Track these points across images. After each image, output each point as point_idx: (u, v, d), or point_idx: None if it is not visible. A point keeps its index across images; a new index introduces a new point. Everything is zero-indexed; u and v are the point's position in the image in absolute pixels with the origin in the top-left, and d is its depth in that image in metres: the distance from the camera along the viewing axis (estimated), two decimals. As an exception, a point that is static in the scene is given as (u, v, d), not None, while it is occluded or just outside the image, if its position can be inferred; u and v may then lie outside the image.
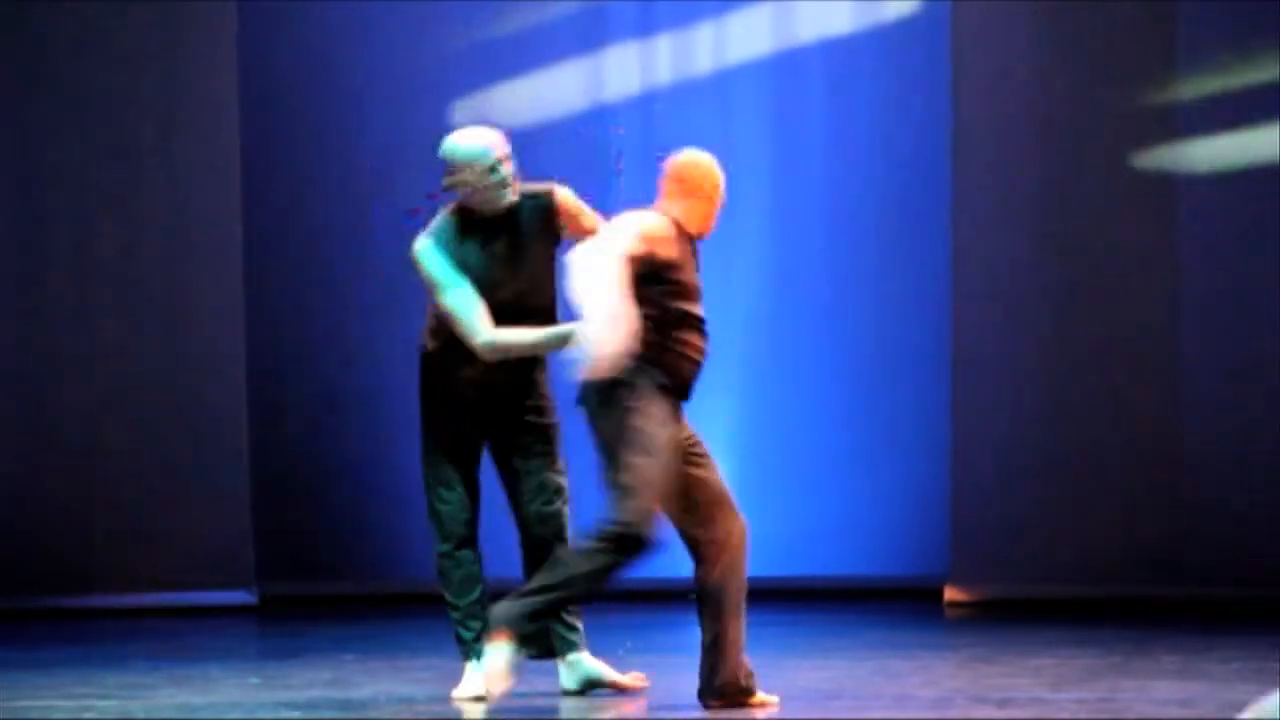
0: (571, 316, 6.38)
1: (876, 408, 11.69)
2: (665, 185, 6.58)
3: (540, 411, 6.84)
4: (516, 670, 6.05)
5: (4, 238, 10.92)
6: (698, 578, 6.45)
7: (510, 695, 6.38)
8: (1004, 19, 10.97)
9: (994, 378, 10.89)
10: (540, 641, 6.62)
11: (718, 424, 11.72)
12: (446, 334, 6.76)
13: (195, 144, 11.11)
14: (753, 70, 11.87)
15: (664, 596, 11.53)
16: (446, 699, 6.51)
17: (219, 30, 11.16)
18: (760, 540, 11.76)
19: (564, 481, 6.84)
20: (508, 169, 6.77)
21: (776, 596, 11.52)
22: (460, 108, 11.94)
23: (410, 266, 6.82)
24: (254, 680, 7.14)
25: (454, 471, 6.80)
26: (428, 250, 6.74)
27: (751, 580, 11.82)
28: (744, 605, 6.39)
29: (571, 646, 6.78)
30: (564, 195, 6.85)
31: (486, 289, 6.69)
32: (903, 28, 11.78)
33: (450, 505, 6.78)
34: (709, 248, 10.96)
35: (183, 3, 11.11)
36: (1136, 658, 7.67)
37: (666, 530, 6.59)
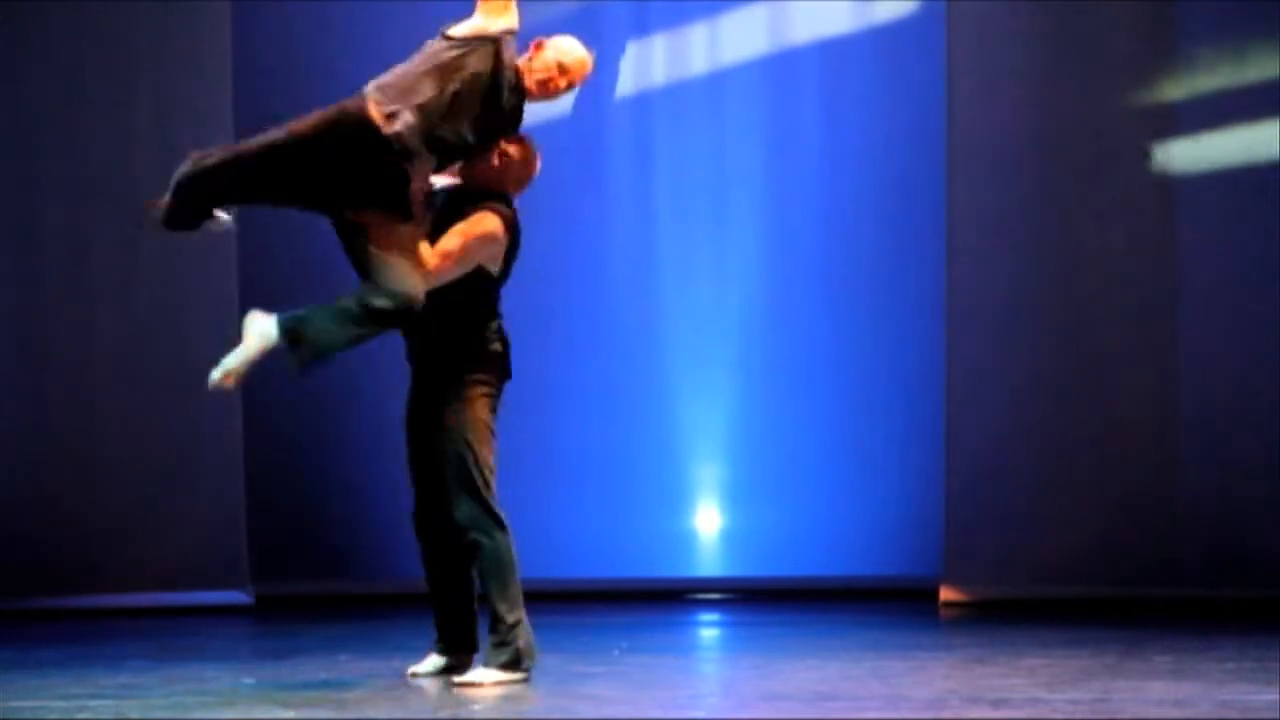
0: None
1: (871, 408, 11.70)
2: None
3: None
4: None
5: (1, 240, 10.92)
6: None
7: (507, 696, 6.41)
8: (999, 18, 10.98)
9: (989, 378, 10.90)
10: None
11: (713, 424, 11.75)
12: None
13: (191, 144, 11.10)
14: (747, 71, 11.88)
15: (662, 596, 11.54)
16: (443, 699, 6.51)
17: (213, 30, 11.17)
18: (756, 541, 11.87)
19: None
20: None
21: (772, 597, 11.54)
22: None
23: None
24: (249, 680, 7.14)
25: None
26: None
27: (748, 581, 11.92)
28: None
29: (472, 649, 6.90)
30: None
31: None
32: (898, 28, 11.79)
33: None
34: (703, 247, 11.07)
35: (177, 2, 11.12)
36: (1131, 658, 7.67)
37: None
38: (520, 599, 6.80)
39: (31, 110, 10.91)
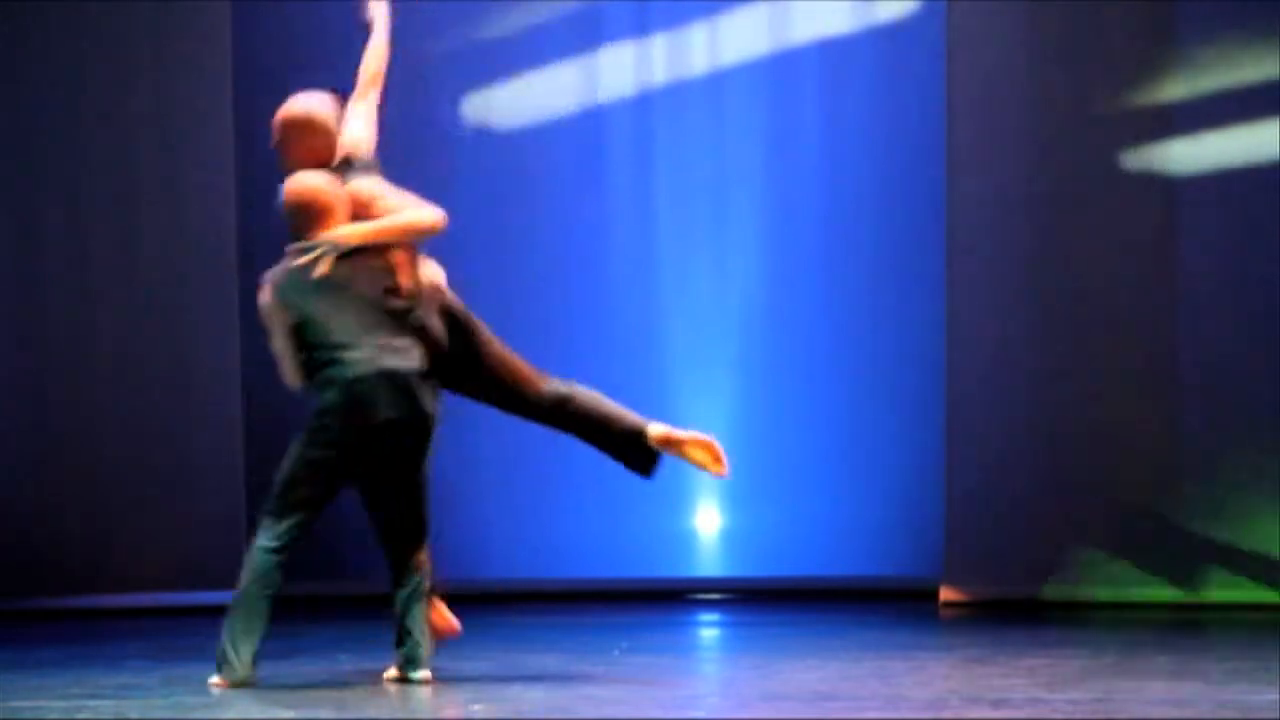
0: None
1: (871, 408, 11.70)
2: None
3: None
4: None
5: (1, 240, 10.92)
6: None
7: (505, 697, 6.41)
8: (999, 19, 10.98)
9: (988, 378, 10.90)
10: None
11: (713, 425, 11.74)
12: None
13: (191, 144, 11.13)
14: (748, 71, 11.88)
15: (661, 597, 11.54)
16: (443, 699, 6.51)
17: (213, 30, 11.17)
18: (756, 541, 11.87)
19: None
20: None
21: (772, 597, 11.54)
22: (456, 107, 11.95)
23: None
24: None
25: None
26: None
27: (748, 580, 11.92)
28: None
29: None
30: None
31: None
32: (898, 28, 11.79)
33: None
34: (703, 247, 11.02)
35: (177, 2, 11.12)
36: (1131, 658, 7.67)
37: None
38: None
39: (31, 110, 10.91)
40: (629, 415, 7.07)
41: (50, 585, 10.77)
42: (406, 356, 6.74)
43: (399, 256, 6.84)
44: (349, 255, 6.80)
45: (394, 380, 6.71)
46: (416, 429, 6.79)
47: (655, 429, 7.04)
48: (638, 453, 7.03)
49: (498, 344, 7.07)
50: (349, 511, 11.90)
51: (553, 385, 7.07)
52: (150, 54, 11.09)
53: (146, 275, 11.02)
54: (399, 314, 6.80)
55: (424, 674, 6.85)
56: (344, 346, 6.75)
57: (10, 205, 10.91)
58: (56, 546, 10.77)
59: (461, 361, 6.95)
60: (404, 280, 6.82)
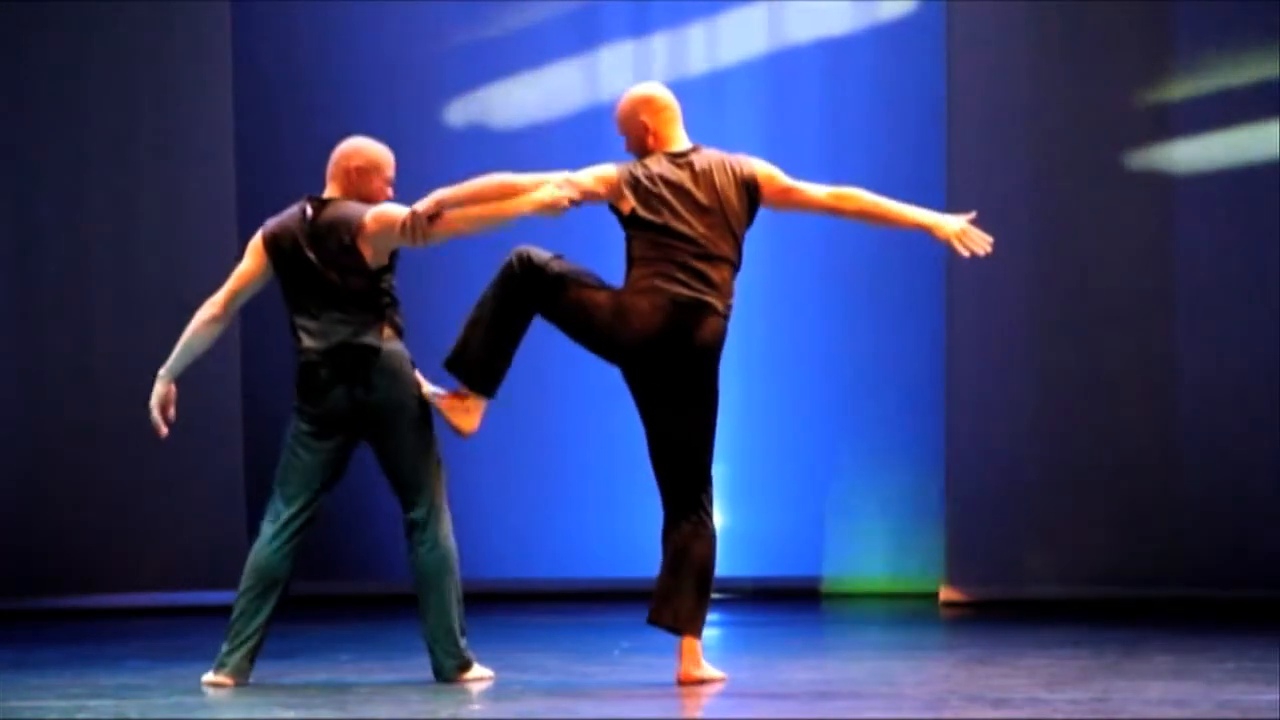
0: None
1: (873, 409, 11.69)
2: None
3: None
4: None
5: (0, 241, 10.92)
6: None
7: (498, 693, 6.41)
8: (999, 19, 10.98)
9: (989, 379, 10.90)
10: None
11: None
12: None
13: (190, 144, 11.12)
14: (747, 70, 11.88)
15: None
16: (443, 699, 6.51)
17: (213, 30, 11.18)
18: (757, 541, 11.87)
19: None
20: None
21: (773, 596, 11.54)
22: (455, 106, 11.94)
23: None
24: (249, 680, 7.14)
25: None
26: None
27: (748, 581, 11.90)
28: None
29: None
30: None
31: None
32: (897, 28, 11.79)
33: None
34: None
35: (177, 2, 11.12)
36: (1131, 658, 7.67)
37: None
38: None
39: (32, 109, 10.91)
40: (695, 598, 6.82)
41: (50, 585, 10.76)
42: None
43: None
44: None
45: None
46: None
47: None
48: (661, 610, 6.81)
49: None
50: (349, 512, 11.94)
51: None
52: (150, 54, 11.08)
53: (146, 275, 11.02)
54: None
55: None
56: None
57: (9, 205, 10.91)
58: (56, 546, 10.76)
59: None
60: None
